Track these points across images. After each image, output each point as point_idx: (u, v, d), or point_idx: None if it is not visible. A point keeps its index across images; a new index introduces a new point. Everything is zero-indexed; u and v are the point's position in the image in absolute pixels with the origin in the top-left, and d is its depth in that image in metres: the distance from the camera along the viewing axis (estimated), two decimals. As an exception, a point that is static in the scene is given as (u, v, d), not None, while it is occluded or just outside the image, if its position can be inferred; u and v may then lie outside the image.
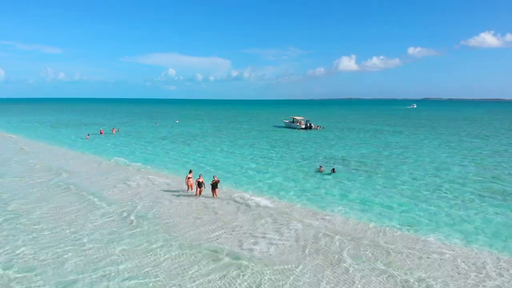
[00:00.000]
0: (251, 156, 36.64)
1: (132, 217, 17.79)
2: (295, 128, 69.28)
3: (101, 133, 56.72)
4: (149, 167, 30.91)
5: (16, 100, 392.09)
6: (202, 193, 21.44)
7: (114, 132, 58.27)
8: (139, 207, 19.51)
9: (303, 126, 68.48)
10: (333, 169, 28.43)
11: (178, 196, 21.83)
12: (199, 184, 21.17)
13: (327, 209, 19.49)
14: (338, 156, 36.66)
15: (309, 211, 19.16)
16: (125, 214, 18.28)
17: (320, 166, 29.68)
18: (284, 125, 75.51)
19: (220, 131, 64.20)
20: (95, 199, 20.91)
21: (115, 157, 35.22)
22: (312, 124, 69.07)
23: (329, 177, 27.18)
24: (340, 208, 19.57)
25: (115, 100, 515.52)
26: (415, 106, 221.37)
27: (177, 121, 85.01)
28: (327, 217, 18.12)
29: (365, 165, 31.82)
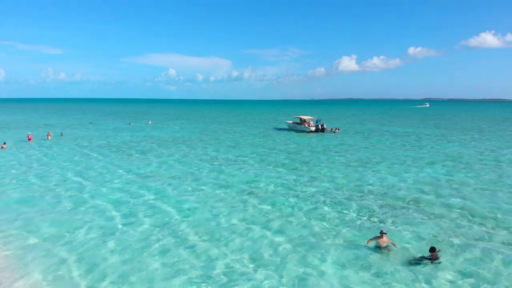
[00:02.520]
0: (230, 196, 19.57)
1: None
2: (302, 131, 52.24)
3: (29, 139, 39.82)
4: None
5: (16, 100, 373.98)
6: None
7: (49, 137, 41.36)
8: None
9: (313, 129, 51.45)
10: (434, 253, 11.23)
11: None
12: None
13: None
14: (395, 194, 19.56)
15: None
16: None
17: (381, 233, 12.41)
18: (287, 127, 58.56)
19: (201, 135, 47.20)
20: None
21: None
22: (325, 126, 52.02)
23: (430, 273, 10.22)
24: None
25: (113, 100, 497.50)
26: (427, 105, 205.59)
27: (149, 122, 68.11)
28: None
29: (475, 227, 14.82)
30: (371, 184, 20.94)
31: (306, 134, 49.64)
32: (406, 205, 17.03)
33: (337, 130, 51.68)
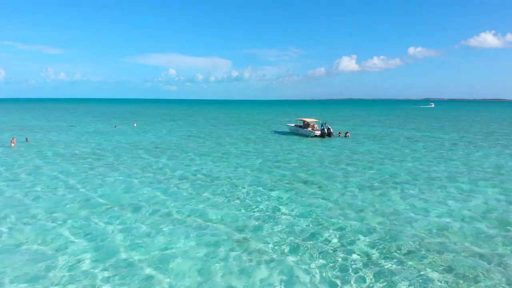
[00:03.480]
0: (215, 243, 13.67)
1: None
2: (306, 135, 46.31)
3: (-16, 146, 33.94)
4: None
5: (15, 100, 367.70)
6: None
7: (13, 144, 35.37)
8: None
9: (318, 133, 45.53)
10: None
11: None
12: None
13: None
14: (450, 242, 13.62)
15: None
16: None
17: None
18: (288, 131, 52.65)
19: (189, 141, 41.23)
20: None
21: None
22: (331, 130, 46.01)
23: None
24: None
25: (113, 100, 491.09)
26: (433, 105, 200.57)
27: (134, 125, 62.06)
28: None
29: None
30: (411, 221, 14.93)
31: (311, 139, 43.74)
32: (482, 272, 11.05)
33: (347, 135, 45.71)
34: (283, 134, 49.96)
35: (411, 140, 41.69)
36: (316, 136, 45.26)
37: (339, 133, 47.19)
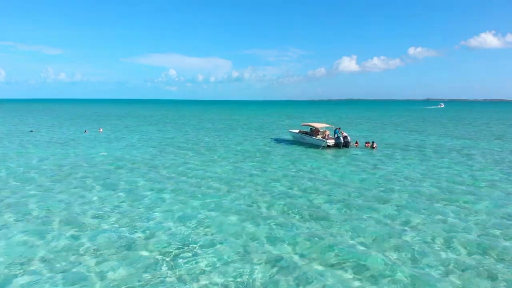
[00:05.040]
0: None
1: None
2: (316, 145, 35.97)
3: None
4: None
5: (12, 101, 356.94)
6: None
7: None
8: None
9: (332, 142, 35.16)
10: None
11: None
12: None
13: None
14: None
15: None
16: None
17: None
18: (292, 139, 42.41)
19: (159, 156, 30.84)
20: None
21: None
22: (349, 139, 35.57)
23: None
24: None
25: (111, 100, 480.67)
26: (442, 106, 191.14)
27: (100, 130, 51.26)
28: None
29: None
30: None
31: (324, 151, 33.40)
32: None
33: (374, 146, 35.16)
34: (286, 143, 39.56)
35: (461, 154, 31.30)
36: (329, 146, 34.96)
37: (356, 142, 36.88)
